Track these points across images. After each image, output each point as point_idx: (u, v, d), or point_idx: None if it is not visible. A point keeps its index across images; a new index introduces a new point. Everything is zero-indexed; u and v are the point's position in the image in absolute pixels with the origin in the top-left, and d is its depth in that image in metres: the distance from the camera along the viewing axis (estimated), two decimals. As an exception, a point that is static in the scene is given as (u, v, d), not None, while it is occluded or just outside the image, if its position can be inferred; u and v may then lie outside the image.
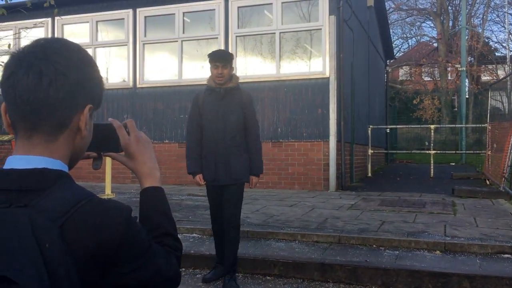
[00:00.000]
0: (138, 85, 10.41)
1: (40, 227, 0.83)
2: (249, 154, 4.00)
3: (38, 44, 0.95)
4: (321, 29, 9.26)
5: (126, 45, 10.53)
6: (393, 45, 23.25)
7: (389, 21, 20.01)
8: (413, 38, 35.33)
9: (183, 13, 10.09)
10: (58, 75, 0.92)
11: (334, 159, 9.01)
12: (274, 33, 9.57)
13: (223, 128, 3.91)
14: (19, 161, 0.93)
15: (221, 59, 3.87)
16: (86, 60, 0.99)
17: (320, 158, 9.12)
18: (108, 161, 4.94)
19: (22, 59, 0.93)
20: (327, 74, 9.14)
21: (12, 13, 4.75)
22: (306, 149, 9.23)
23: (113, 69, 10.82)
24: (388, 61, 18.76)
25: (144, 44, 10.40)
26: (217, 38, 9.84)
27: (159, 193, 1.15)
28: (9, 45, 4.53)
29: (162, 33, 10.50)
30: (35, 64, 0.92)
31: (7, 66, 0.94)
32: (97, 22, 10.71)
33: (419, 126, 18.97)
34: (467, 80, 22.52)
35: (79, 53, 0.98)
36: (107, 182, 5.29)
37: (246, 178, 4.00)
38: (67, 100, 0.93)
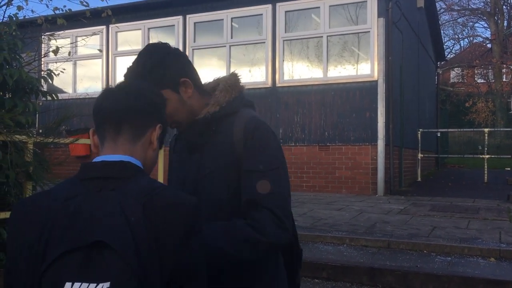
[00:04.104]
0: (187, 90, 10.65)
1: (127, 204, 1.01)
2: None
3: (124, 82, 1.29)
4: (369, 31, 9.17)
5: (176, 50, 10.80)
6: (444, 46, 22.61)
7: (440, 22, 19.50)
8: (465, 39, 34.28)
9: (232, 18, 10.25)
10: (141, 95, 1.20)
11: (382, 163, 8.88)
12: (322, 36, 9.56)
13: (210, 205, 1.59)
14: (105, 157, 1.14)
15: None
16: (160, 94, 1.30)
17: (368, 162, 9.01)
18: (160, 164, 5.12)
19: (112, 88, 1.22)
20: (376, 77, 9.03)
21: (70, 22, 4.99)
22: (353, 153, 9.14)
23: (164, 74, 11.12)
24: (438, 63, 18.27)
25: (193, 49, 10.64)
26: (264, 42, 9.94)
27: None
28: (69, 52, 4.76)
29: (211, 39, 10.71)
30: (123, 88, 1.22)
31: (100, 96, 1.22)
32: (148, 29, 11.06)
33: (471, 129, 18.37)
34: (523, 82, 21.57)
35: (155, 89, 1.31)
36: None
37: None
38: (145, 112, 1.19)
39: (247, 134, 1.48)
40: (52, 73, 4.01)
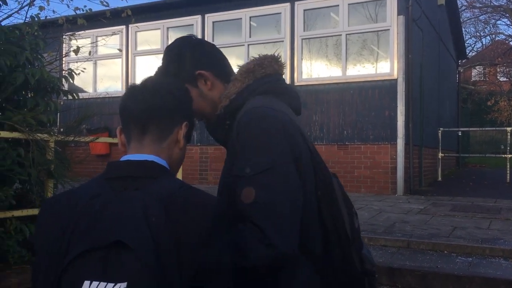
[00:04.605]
0: (205, 89, 10.70)
1: (149, 205, 0.99)
2: None
3: (149, 79, 1.25)
4: (389, 29, 9.08)
5: (194, 50, 10.85)
6: (466, 44, 22.26)
7: (461, 20, 19.20)
8: (487, 37, 33.66)
9: (250, 17, 10.25)
10: (166, 93, 1.19)
11: (402, 162, 8.79)
12: (341, 35, 9.49)
13: None
14: (130, 157, 1.14)
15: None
16: (186, 90, 1.29)
17: (387, 161, 8.92)
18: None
19: (137, 86, 1.21)
20: (395, 76, 8.94)
21: (90, 22, 5.04)
22: (372, 152, 9.07)
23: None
24: (460, 61, 17.99)
25: (211, 48, 10.66)
26: (283, 41, 9.92)
27: None
28: (90, 52, 4.83)
29: (229, 38, 10.73)
30: (148, 87, 1.20)
31: (125, 95, 1.20)
32: (167, 28, 11.13)
33: (494, 128, 18.02)
34: (547, 80, 21.11)
35: (181, 84, 1.29)
36: (177, 182, 5.54)
37: None
38: (170, 111, 1.18)
39: (239, 130, 1.28)
40: (73, 73, 4.07)
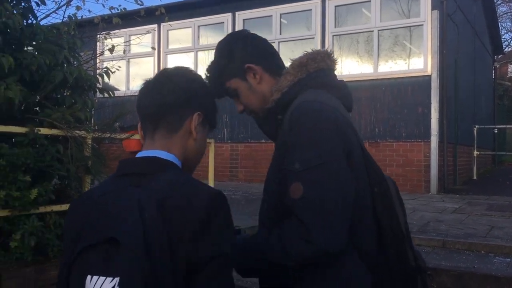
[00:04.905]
0: (236, 86, 10.72)
1: (145, 202, 1.01)
2: None
3: (162, 72, 1.25)
4: (422, 25, 8.91)
5: (225, 48, 10.89)
6: (502, 39, 21.61)
7: (497, 14, 18.66)
8: (525, 31, 32.60)
9: (280, 14, 10.23)
10: (174, 87, 1.18)
11: (436, 160, 8.61)
12: (372, 31, 9.37)
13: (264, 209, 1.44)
14: (141, 153, 1.17)
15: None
16: (198, 80, 1.26)
17: (421, 159, 8.76)
18: (210, 159, 5.18)
19: (150, 82, 1.23)
20: (429, 72, 8.76)
21: (124, 21, 5.12)
22: (405, 150, 8.92)
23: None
24: (496, 56, 17.50)
25: (242, 46, 10.68)
26: (313, 38, 9.85)
27: None
28: (124, 51, 4.90)
29: (260, 35, 10.71)
30: (158, 82, 1.21)
31: (139, 91, 1.23)
32: (198, 26, 11.21)
33: (531, 126, 17.44)
34: None
35: (194, 74, 1.25)
36: (210, 179, 5.54)
37: None
38: (179, 105, 1.18)
39: (291, 126, 1.27)
40: (109, 71, 4.14)
